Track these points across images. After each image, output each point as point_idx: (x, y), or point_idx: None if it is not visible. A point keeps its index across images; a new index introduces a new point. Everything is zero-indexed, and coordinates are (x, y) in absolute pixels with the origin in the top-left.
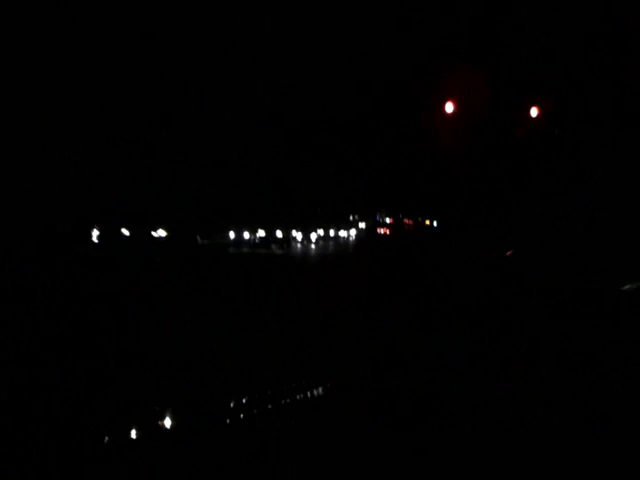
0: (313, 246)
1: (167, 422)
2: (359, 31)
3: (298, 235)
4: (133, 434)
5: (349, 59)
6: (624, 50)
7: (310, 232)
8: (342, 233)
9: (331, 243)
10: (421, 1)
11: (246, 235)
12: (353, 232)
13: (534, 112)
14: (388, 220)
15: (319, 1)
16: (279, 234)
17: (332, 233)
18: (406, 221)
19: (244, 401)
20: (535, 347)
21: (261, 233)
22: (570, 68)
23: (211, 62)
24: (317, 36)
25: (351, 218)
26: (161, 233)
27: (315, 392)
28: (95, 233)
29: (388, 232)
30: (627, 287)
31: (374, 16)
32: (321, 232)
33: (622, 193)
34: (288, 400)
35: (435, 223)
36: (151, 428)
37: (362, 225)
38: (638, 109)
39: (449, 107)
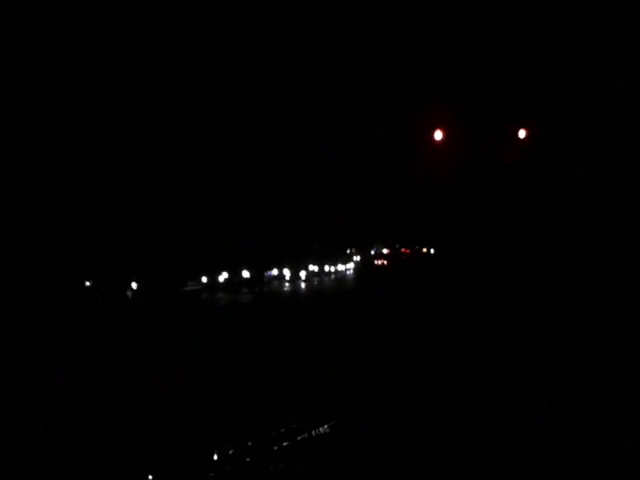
0: (303, 284)
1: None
2: (344, 60)
3: (286, 273)
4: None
5: (337, 89)
6: (610, 68)
7: (300, 269)
8: (339, 267)
9: (326, 279)
10: (405, 27)
11: (222, 278)
12: (351, 265)
13: (522, 134)
14: (385, 251)
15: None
16: (246, 274)
17: (327, 268)
18: (403, 250)
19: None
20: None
21: (245, 274)
22: (556, 88)
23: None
24: (303, 65)
25: (348, 251)
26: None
27: (318, 431)
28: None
29: (386, 263)
30: None
31: (360, 43)
32: (314, 268)
33: (613, 207)
34: (289, 441)
35: (432, 250)
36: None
37: (357, 258)
38: (627, 125)
39: (438, 135)
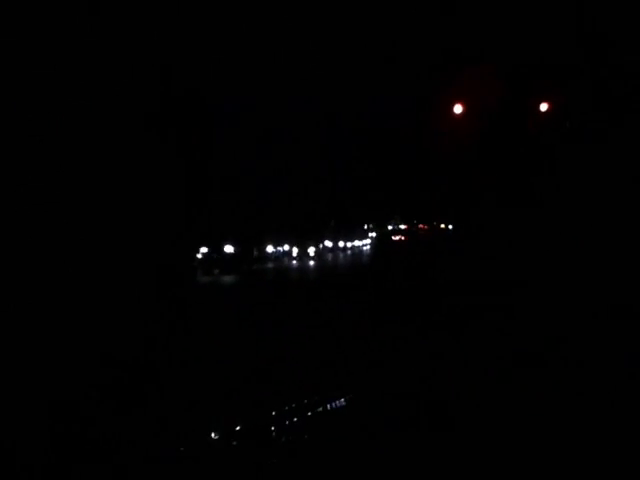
0: (312, 262)
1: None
2: (364, 38)
3: (293, 250)
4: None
5: (359, 65)
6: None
7: (307, 246)
8: (356, 243)
9: (341, 255)
10: (425, 3)
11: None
12: (368, 241)
13: (544, 107)
14: (403, 227)
15: (323, 6)
16: (230, 249)
17: (342, 244)
18: (421, 226)
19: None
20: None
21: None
22: (578, 60)
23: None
24: (322, 40)
25: (365, 227)
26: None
27: (333, 405)
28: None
29: (403, 238)
30: None
31: (379, 20)
32: (329, 244)
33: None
34: (306, 415)
35: (450, 226)
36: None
37: (374, 234)
38: None
39: (457, 108)
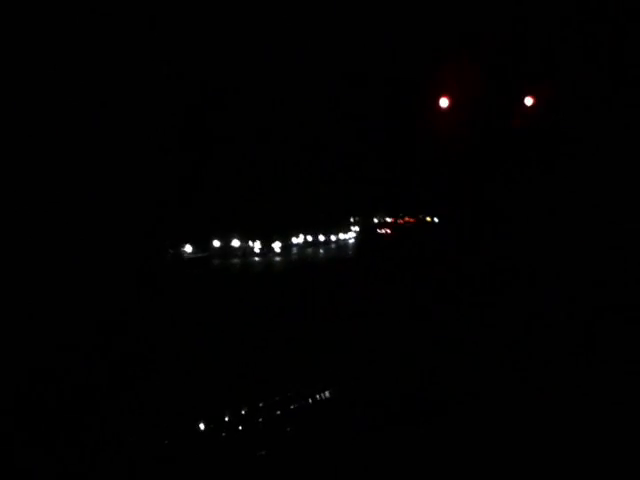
0: (277, 258)
1: (176, 428)
2: (351, 28)
3: (255, 245)
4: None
5: (343, 57)
6: (620, 36)
7: (272, 241)
8: (340, 236)
9: (320, 250)
10: None
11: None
12: (352, 235)
13: (529, 101)
14: (389, 219)
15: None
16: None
17: (323, 237)
18: (407, 219)
19: (249, 408)
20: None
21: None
22: (566, 54)
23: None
24: (311, 30)
25: (352, 220)
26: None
27: (321, 396)
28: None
29: (389, 231)
30: None
31: (367, 13)
32: (308, 237)
33: (621, 181)
34: (294, 405)
35: (436, 219)
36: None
37: (356, 228)
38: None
39: (444, 102)
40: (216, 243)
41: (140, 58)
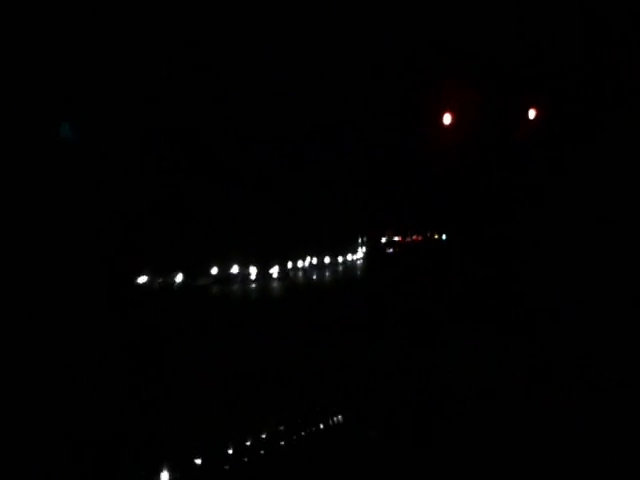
0: (275, 284)
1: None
2: (346, 40)
3: (252, 271)
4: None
5: (341, 73)
6: (621, 45)
7: (270, 265)
8: (348, 257)
9: (325, 273)
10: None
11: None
12: (360, 255)
13: (532, 113)
14: (397, 238)
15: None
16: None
17: (329, 259)
18: (415, 238)
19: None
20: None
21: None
22: (567, 66)
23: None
24: (307, 40)
25: (359, 240)
26: None
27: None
28: None
29: (397, 250)
30: None
31: (364, 24)
32: (312, 260)
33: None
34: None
35: (444, 236)
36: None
37: (363, 248)
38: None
39: (447, 119)
40: (213, 270)
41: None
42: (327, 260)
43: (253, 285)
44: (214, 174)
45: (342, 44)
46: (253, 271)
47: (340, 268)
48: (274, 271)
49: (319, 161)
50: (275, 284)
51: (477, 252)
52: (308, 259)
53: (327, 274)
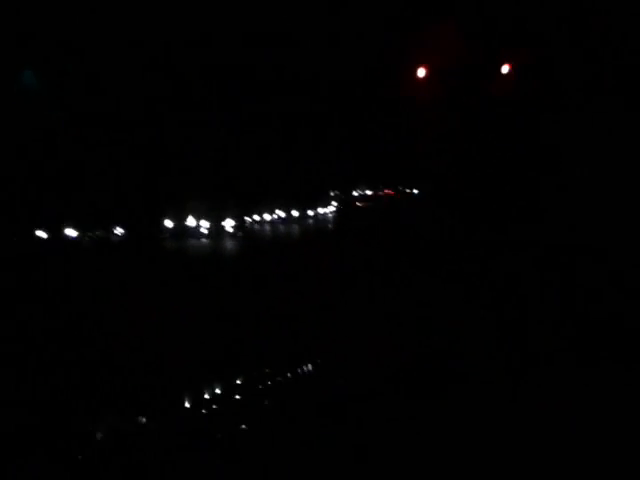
0: (228, 242)
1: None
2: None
3: (203, 224)
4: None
5: (321, 28)
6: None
7: (223, 218)
8: (320, 210)
9: (291, 228)
10: None
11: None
12: (332, 209)
13: (505, 69)
14: (369, 192)
15: None
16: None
17: (298, 213)
18: (387, 191)
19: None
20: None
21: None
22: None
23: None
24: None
25: (332, 194)
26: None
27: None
28: None
29: (369, 203)
30: None
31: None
32: (281, 214)
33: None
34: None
35: (415, 191)
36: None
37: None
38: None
39: (421, 72)
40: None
41: None
42: (296, 213)
43: (216, 240)
44: (177, 115)
45: None
46: (207, 225)
47: (310, 221)
48: (235, 224)
49: (292, 114)
50: (238, 239)
51: (449, 206)
52: (277, 212)
53: (295, 227)
